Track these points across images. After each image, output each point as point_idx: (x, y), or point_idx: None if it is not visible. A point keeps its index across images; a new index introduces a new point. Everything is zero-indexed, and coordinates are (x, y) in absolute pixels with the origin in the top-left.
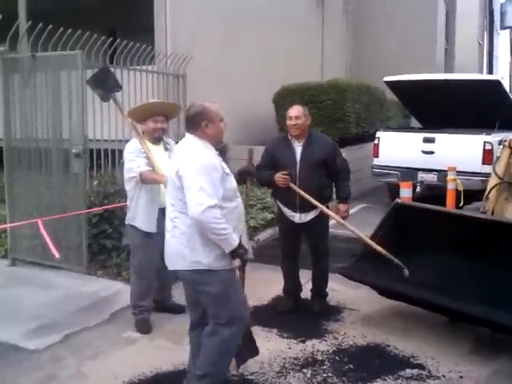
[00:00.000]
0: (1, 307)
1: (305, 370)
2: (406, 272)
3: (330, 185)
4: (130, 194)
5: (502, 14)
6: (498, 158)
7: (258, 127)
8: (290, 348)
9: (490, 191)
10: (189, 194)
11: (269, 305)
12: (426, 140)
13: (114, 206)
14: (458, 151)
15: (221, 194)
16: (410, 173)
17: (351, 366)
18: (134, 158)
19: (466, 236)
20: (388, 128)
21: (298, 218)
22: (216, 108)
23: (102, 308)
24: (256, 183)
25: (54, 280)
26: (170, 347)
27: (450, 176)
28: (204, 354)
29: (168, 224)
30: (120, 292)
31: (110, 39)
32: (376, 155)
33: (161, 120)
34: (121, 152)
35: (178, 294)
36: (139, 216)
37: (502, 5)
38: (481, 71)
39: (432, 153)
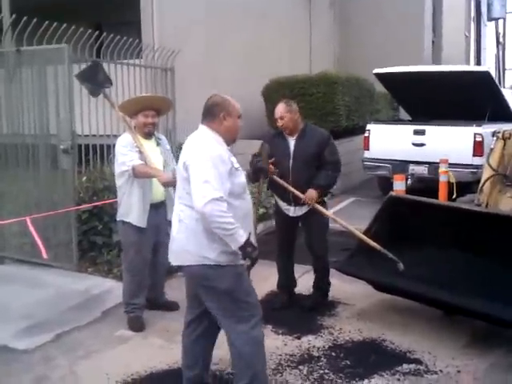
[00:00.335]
0: None
1: (301, 367)
2: (401, 266)
3: None
4: (121, 189)
5: (489, 6)
6: (491, 149)
7: (247, 121)
8: (285, 344)
9: (484, 183)
10: (194, 185)
11: (263, 300)
12: (417, 132)
13: (104, 202)
14: (449, 143)
15: (228, 189)
16: (401, 165)
17: (348, 361)
18: (127, 152)
19: (462, 229)
20: (378, 120)
21: (292, 211)
22: (236, 103)
23: (93, 306)
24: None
25: (44, 278)
26: (164, 345)
27: (442, 168)
28: (235, 364)
29: (174, 218)
30: (112, 289)
31: (96, 33)
32: (366, 148)
33: (151, 115)
34: (109, 147)
35: (171, 291)
36: (133, 211)
37: None
38: (468, 63)
39: (422, 145)
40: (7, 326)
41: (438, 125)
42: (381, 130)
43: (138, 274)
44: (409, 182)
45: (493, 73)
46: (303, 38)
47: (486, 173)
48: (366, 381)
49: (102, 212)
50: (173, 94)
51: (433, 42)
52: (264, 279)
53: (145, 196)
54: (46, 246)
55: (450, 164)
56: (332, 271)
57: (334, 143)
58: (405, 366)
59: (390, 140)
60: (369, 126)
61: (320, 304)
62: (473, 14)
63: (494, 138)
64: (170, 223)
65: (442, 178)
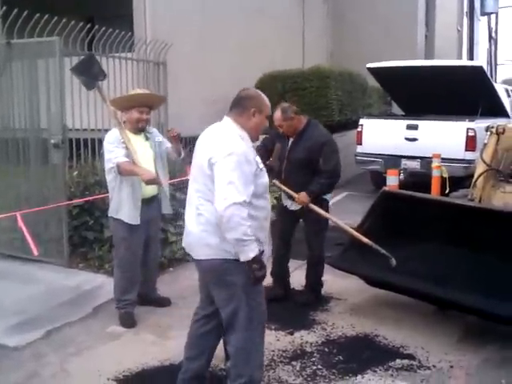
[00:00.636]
0: None
1: (294, 363)
2: (393, 261)
3: None
4: (110, 185)
5: (482, 0)
6: (485, 144)
7: None
8: (278, 340)
9: (477, 178)
10: (217, 185)
11: None
12: (410, 127)
13: (95, 197)
14: (441, 138)
15: (252, 191)
16: (393, 160)
17: (341, 357)
18: (113, 148)
19: (455, 224)
20: (371, 115)
21: (289, 204)
22: (268, 102)
23: (84, 302)
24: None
25: (35, 274)
26: (156, 341)
27: (435, 163)
28: (233, 362)
29: (190, 211)
30: (103, 285)
31: (88, 26)
32: (359, 143)
33: (146, 111)
34: (101, 141)
35: (163, 287)
36: (123, 208)
37: None
38: (460, 58)
39: (415, 140)
40: None
41: (431, 119)
42: (374, 124)
43: (129, 269)
44: (401, 176)
45: (485, 68)
46: (297, 33)
47: (480, 168)
48: (359, 376)
49: (94, 207)
50: (165, 88)
51: (426, 36)
52: None
53: (135, 192)
54: (37, 242)
55: (442, 159)
56: (325, 266)
57: (333, 147)
58: (398, 361)
59: (382, 135)
60: (362, 121)
61: (313, 301)
62: (466, 8)
63: (488, 133)
64: (163, 217)
65: (435, 173)
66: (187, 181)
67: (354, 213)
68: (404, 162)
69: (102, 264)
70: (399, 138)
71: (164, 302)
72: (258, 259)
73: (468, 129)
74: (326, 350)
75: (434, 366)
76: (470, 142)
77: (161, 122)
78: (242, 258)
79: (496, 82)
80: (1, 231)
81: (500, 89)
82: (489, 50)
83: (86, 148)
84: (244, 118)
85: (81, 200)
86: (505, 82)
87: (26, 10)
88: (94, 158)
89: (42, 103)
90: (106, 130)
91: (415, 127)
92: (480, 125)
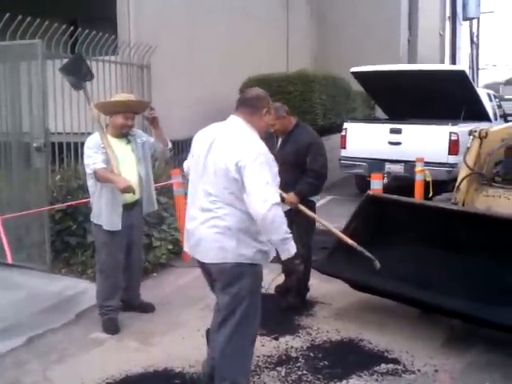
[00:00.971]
0: None
1: (279, 368)
2: (377, 264)
3: None
4: (91, 190)
5: (464, 5)
6: (468, 148)
7: (224, 117)
8: (263, 345)
9: (460, 182)
10: (253, 188)
11: None
12: (393, 131)
13: (78, 202)
14: (425, 142)
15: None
16: (377, 164)
17: (326, 362)
18: (92, 154)
19: (439, 228)
20: (355, 119)
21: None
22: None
23: (67, 308)
24: None
25: (16, 279)
26: (139, 348)
27: (418, 167)
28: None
29: (200, 215)
30: (86, 291)
31: (71, 28)
32: (343, 146)
33: (131, 117)
34: (83, 145)
35: (146, 292)
36: (103, 215)
37: None
38: (443, 62)
39: (399, 144)
40: None
41: (414, 123)
42: (357, 128)
43: (112, 275)
44: (385, 180)
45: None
46: (281, 36)
47: (463, 172)
48: (344, 381)
49: (76, 212)
50: (149, 91)
51: (408, 40)
52: None
53: (115, 199)
54: (19, 247)
55: (425, 163)
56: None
57: (320, 147)
58: (383, 365)
59: (366, 139)
60: (345, 125)
61: (299, 305)
62: (448, 13)
63: (471, 137)
64: (147, 222)
65: (418, 177)
66: (171, 185)
67: (339, 216)
68: (388, 165)
69: (85, 269)
70: (383, 142)
71: (148, 308)
72: (298, 255)
73: (451, 133)
74: (311, 355)
75: (418, 370)
76: (453, 146)
77: (145, 124)
78: (284, 256)
79: (478, 86)
80: None
81: (482, 93)
82: (471, 54)
83: (69, 152)
84: (256, 118)
85: (63, 205)
86: (486, 86)
87: (8, 12)
88: (77, 161)
89: (24, 106)
90: (89, 134)
91: (399, 131)
92: (463, 129)
